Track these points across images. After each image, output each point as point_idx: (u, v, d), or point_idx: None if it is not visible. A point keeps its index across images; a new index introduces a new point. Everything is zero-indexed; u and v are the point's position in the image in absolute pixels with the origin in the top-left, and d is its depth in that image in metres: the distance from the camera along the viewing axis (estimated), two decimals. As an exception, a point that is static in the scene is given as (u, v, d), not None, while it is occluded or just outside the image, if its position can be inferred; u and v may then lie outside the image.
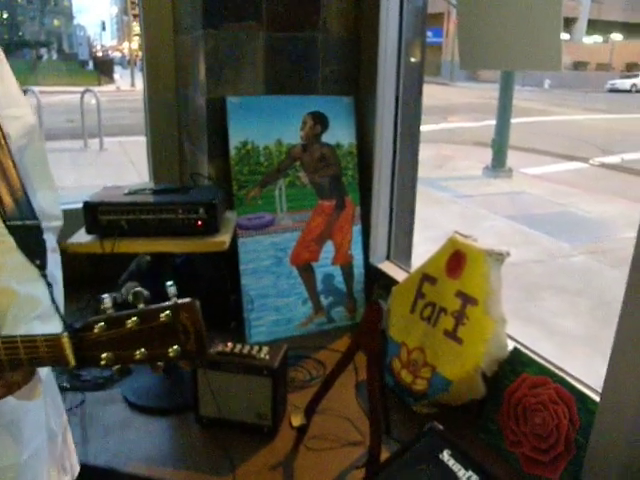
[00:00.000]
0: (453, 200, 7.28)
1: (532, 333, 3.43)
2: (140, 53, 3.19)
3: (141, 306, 0.84)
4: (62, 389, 2.26)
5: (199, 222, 2.03)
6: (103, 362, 0.83)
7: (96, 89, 11.61)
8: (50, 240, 1.11)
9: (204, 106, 2.68)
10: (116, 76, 23.97)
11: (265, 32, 2.70)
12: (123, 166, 7.49)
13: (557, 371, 1.93)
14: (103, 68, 24.47)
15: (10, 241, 0.96)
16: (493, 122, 9.15)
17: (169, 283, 0.84)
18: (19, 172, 1.02)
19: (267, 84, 2.77)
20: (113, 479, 1.95)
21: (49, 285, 0.89)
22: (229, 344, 2.10)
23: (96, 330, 0.83)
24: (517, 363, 2.02)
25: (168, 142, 3.32)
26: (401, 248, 3.04)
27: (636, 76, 28.62)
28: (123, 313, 0.84)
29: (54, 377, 1.23)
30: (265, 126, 2.72)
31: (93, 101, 8.68)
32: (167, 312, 0.82)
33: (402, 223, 3.02)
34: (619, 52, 35.06)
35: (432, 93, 18.24)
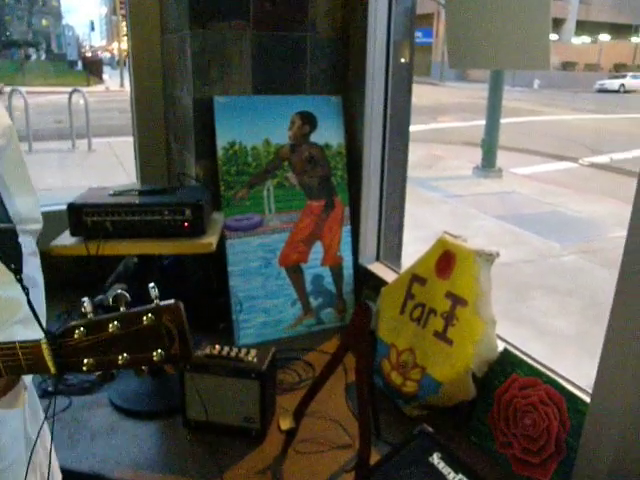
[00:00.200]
0: (443, 200, 7.27)
1: (522, 334, 3.42)
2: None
3: (123, 309, 0.81)
4: (47, 393, 2.23)
5: (185, 223, 2.01)
6: (85, 368, 0.80)
7: (85, 89, 11.51)
8: (29, 243, 1.08)
9: (191, 106, 2.65)
10: (105, 76, 23.85)
11: (252, 31, 2.67)
12: (112, 167, 7.43)
13: (547, 372, 1.92)
14: (92, 68, 24.33)
15: None
16: (483, 122, 9.15)
17: (151, 285, 0.82)
18: None
19: (255, 84, 2.74)
20: (99, 485, 1.92)
21: (25, 289, 0.87)
22: (217, 346, 2.07)
23: (76, 335, 0.80)
24: (507, 364, 2.01)
25: (156, 142, 3.28)
26: (391, 248, 3.03)
27: (624, 76, 28.83)
28: (104, 317, 0.81)
29: (35, 382, 1.20)
30: (253, 126, 2.70)
31: (81, 101, 8.61)
32: (149, 315, 0.79)
33: (392, 223, 3.01)
34: (607, 53, 35.28)
35: (422, 93, 18.28)
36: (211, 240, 2.06)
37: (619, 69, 33.89)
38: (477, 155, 9.03)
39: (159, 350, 0.80)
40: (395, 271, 2.88)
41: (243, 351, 2.05)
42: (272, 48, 2.73)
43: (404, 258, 3.05)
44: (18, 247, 0.96)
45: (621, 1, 34.80)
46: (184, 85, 2.76)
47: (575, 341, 3.51)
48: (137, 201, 2.02)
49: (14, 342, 0.81)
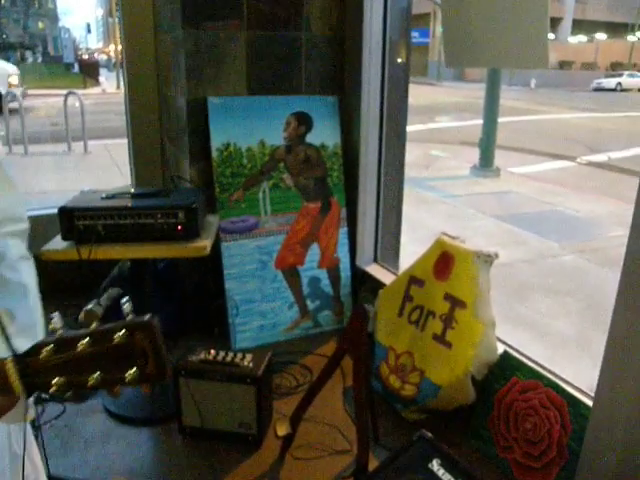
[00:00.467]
0: (441, 200, 7.24)
1: (522, 335, 3.39)
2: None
3: (94, 325, 0.77)
4: (41, 400, 2.19)
5: (179, 226, 1.97)
6: (54, 389, 0.75)
7: (81, 92, 11.46)
8: (17, 247, 1.04)
9: (185, 107, 2.62)
10: (102, 79, 23.76)
11: (247, 31, 2.64)
12: (107, 169, 7.38)
13: (548, 375, 1.89)
14: (88, 71, 24.24)
15: None
16: (480, 122, 9.13)
17: (124, 300, 0.77)
18: None
19: (249, 84, 2.71)
20: (92, 494, 1.89)
21: None
22: (212, 351, 2.04)
23: (44, 354, 0.75)
24: (507, 367, 1.98)
25: (150, 144, 3.25)
26: (388, 250, 3.00)
27: (621, 75, 28.86)
28: (74, 334, 0.76)
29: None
30: (248, 127, 2.66)
31: (77, 104, 8.56)
32: (122, 332, 0.74)
33: (389, 224, 2.98)
34: (604, 51, 35.31)
35: (419, 93, 18.27)
36: (205, 243, 2.02)
37: (615, 68, 33.92)
38: (474, 155, 9.00)
39: (133, 369, 0.75)
40: (393, 273, 2.85)
41: (239, 356, 2.02)
42: (267, 48, 2.70)
43: (402, 259, 3.01)
44: None
45: (617, 0, 34.86)
46: (178, 86, 2.73)
47: (575, 342, 3.48)
48: (129, 204, 1.98)
49: None
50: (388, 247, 3.00)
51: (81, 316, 0.76)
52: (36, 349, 0.76)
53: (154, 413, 2.20)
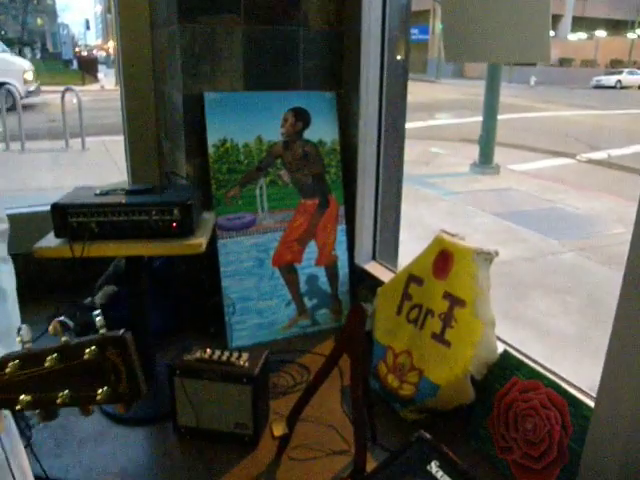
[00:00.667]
0: (440, 197, 7.22)
1: (522, 334, 3.37)
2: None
3: (64, 339, 0.72)
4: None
5: (173, 224, 1.94)
6: (19, 406, 0.71)
7: (80, 88, 11.41)
8: None
9: (181, 102, 2.58)
10: (100, 75, 23.69)
11: (244, 25, 2.60)
12: (105, 166, 7.35)
13: (549, 374, 1.86)
14: (87, 67, 24.16)
15: None
16: (480, 119, 9.10)
17: (96, 312, 0.73)
18: None
19: (246, 79, 2.67)
20: (85, 495, 1.86)
21: None
22: (207, 350, 2.01)
23: (8, 369, 0.71)
24: (507, 366, 1.95)
25: (147, 140, 3.21)
26: (387, 247, 2.97)
27: (620, 72, 28.81)
28: (41, 349, 0.72)
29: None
30: (245, 123, 2.63)
31: (74, 100, 8.53)
32: (92, 348, 0.70)
33: (388, 221, 2.95)
34: (603, 49, 35.26)
35: (418, 90, 18.23)
36: (201, 241, 1.99)
37: (615, 65, 33.85)
38: (474, 152, 8.98)
39: (104, 388, 0.71)
40: (392, 270, 2.82)
41: (235, 355, 1.99)
42: (264, 43, 2.66)
43: (401, 257, 2.98)
44: None
45: (617, -3, 34.82)
46: (174, 81, 2.69)
47: (575, 341, 3.46)
48: (124, 201, 1.95)
49: None
50: (387, 245, 2.97)
51: (50, 328, 0.70)
52: (1, 364, 0.71)
53: (149, 413, 2.17)
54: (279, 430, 1.91)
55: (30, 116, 8.75)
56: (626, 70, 29.23)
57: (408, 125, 2.90)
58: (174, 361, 1.99)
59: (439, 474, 1.46)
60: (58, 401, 0.71)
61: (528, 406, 1.83)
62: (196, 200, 2.05)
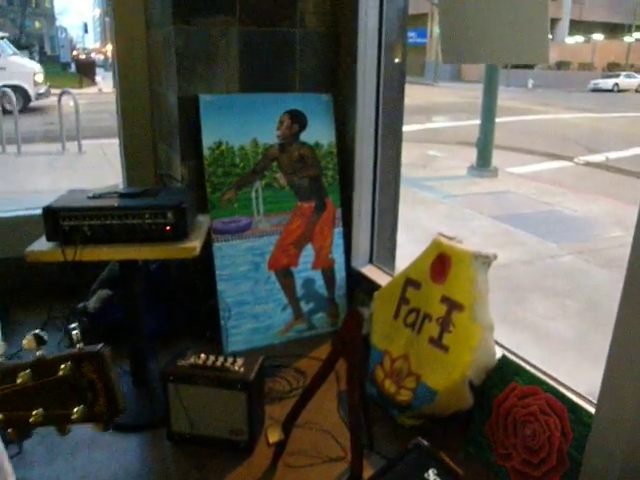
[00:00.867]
0: (438, 200, 7.20)
1: (520, 337, 3.34)
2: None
3: (39, 353, 0.68)
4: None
5: (167, 227, 1.91)
6: None
7: (77, 91, 11.39)
8: None
9: (176, 105, 2.56)
10: (98, 78, 23.68)
11: (239, 27, 2.58)
12: (101, 169, 7.33)
13: (548, 380, 1.83)
14: (85, 70, 24.15)
15: None
16: (477, 122, 9.09)
17: (72, 325, 0.69)
18: None
19: (242, 81, 2.65)
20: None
21: None
22: (202, 356, 1.98)
23: None
24: (506, 371, 1.92)
25: (142, 143, 3.19)
26: (384, 251, 2.94)
27: (618, 76, 28.86)
28: (14, 364, 0.68)
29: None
30: (240, 125, 2.60)
31: (71, 103, 8.50)
32: (67, 363, 0.67)
33: (385, 224, 2.92)
34: (601, 52, 35.32)
35: (415, 94, 18.21)
36: (195, 244, 1.96)
37: (612, 68, 33.91)
38: (472, 155, 8.96)
39: (80, 406, 0.68)
40: (389, 274, 2.79)
41: (229, 360, 1.96)
42: (260, 44, 2.64)
43: (398, 260, 2.96)
44: None
45: (614, 1, 34.90)
46: (169, 83, 2.67)
47: (574, 344, 3.43)
48: (116, 204, 1.92)
49: None
50: (384, 248, 2.94)
51: (24, 342, 0.65)
52: None
53: (142, 419, 2.13)
54: (275, 436, 1.88)
55: (27, 119, 8.72)
56: (623, 73, 29.29)
57: (405, 128, 2.88)
58: (168, 367, 1.96)
59: (437, 482, 1.44)
60: (31, 420, 0.67)
61: (527, 412, 1.80)
62: (190, 203, 2.03)
